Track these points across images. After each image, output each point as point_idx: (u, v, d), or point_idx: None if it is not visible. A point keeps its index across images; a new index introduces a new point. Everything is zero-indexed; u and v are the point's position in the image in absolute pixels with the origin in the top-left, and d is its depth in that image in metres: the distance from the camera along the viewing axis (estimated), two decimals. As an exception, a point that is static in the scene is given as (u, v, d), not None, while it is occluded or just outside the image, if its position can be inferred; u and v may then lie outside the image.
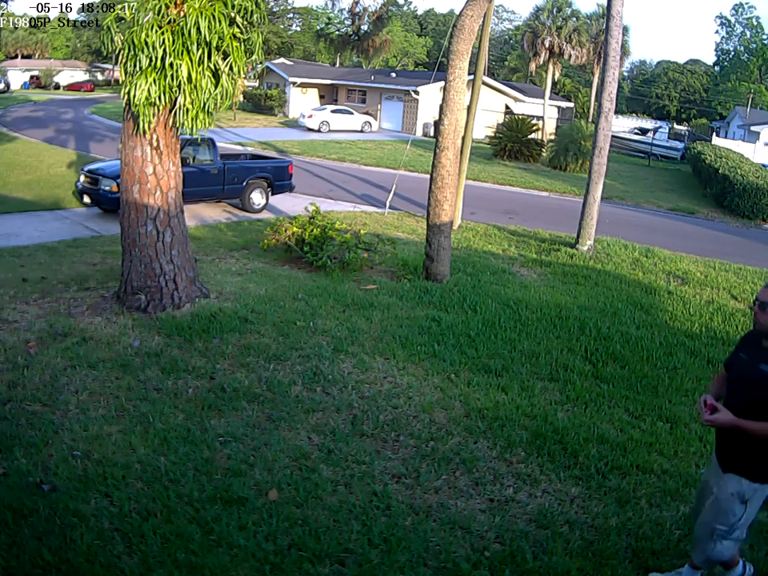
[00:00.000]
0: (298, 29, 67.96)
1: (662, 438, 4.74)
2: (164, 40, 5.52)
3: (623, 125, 40.54)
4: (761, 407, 2.83)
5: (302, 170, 17.68)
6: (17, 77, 56.57)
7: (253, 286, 7.36)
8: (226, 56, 5.86)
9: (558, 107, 40.03)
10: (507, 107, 36.33)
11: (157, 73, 5.63)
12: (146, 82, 5.60)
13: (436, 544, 3.45)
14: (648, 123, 44.57)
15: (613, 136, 13.90)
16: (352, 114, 33.50)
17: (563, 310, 7.43)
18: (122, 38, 5.76)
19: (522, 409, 4.97)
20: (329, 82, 39.52)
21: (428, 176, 8.38)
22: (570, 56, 34.99)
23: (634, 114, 59.80)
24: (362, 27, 50.38)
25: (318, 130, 31.18)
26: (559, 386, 5.49)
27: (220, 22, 5.60)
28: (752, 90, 53.51)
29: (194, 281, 6.69)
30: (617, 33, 10.84)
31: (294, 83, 37.98)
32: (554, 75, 37.38)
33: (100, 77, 63.05)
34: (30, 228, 9.92)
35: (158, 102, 5.72)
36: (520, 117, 27.89)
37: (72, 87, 55.81)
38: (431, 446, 4.38)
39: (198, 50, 5.61)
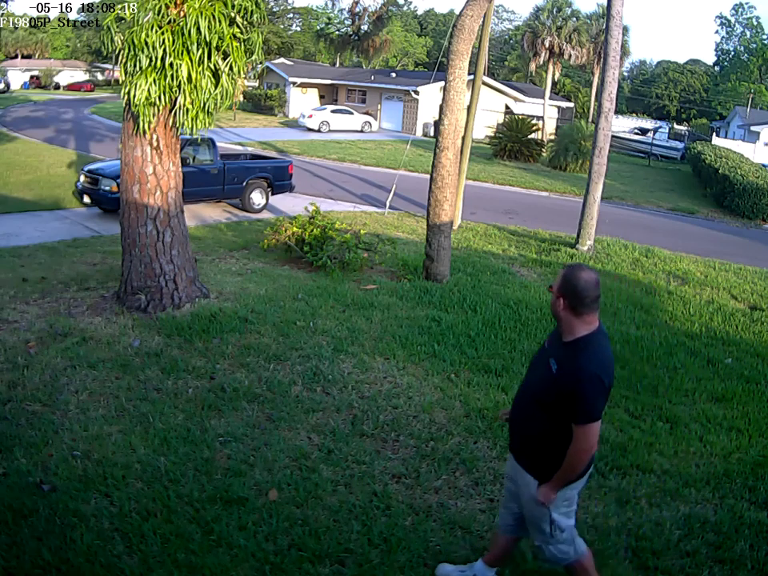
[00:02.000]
0: (298, 29, 67.97)
1: (662, 438, 4.75)
2: (164, 40, 5.51)
3: (623, 125, 40.54)
4: (538, 401, 2.70)
5: (301, 169, 17.68)
6: (17, 77, 56.58)
7: (253, 286, 7.36)
8: (226, 56, 5.85)
9: (558, 107, 40.02)
10: (507, 107, 36.33)
11: (157, 73, 5.62)
12: (146, 81, 5.59)
13: (436, 544, 3.45)
14: (648, 123, 44.58)
15: (613, 136, 13.90)
16: (352, 113, 33.50)
17: (563, 310, 7.41)
18: (122, 37, 5.76)
19: (521, 409, 4.96)
20: (329, 81, 39.51)
21: (428, 176, 8.38)
22: (570, 56, 35.01)
23: (634, 114, 59.78)
24: (362, 27, 50.37)
25: (318, 130, 31.17)
26: (559, 386, 5.49)
27: (220, 21, 5.60)
28: (752, 90, 53.51)
29: (194, 281, 6.69)
30: (617, 33, 10.84)
31: (294, 83, 37.97)
32: (553, 75, 37.40)
33: (100, 77, 63.05)
34: (30, 228, 9.92)
35: (158, 102, 5.72)
36: (520, 117, 27.87)
37: (72, 87, 55.82)
38: (431, 446, 4.38)
39: (198, 49, 5.61)
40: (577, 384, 2.54)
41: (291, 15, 67.18)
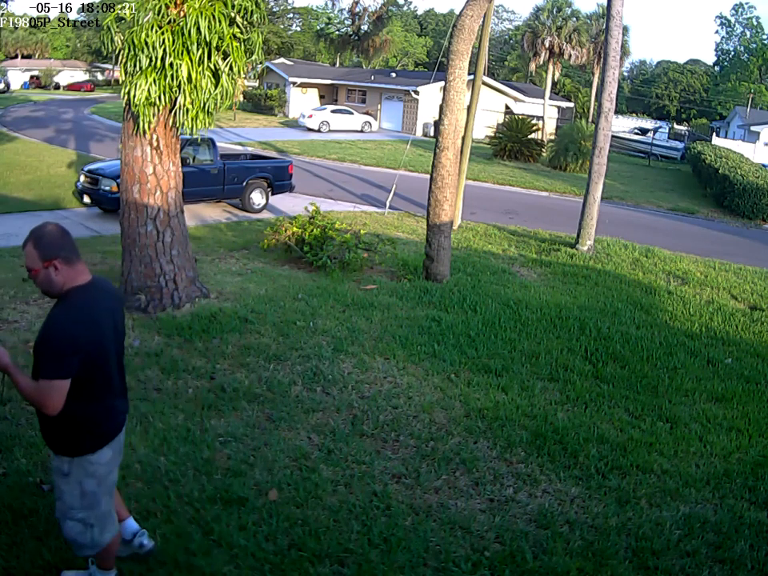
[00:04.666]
0: (298, 29, 67.99)
1: (662, 438, 4.75)
2: (164, 40, 5.52)
3: (623, 125, 40.55)
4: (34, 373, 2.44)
5: (302, 169, 17.67)
6: (17, 77, 56.56)
7: (253, 286, 7.35)
8: (226, 56, 5.86)
9: (558, 107, 40.01)
10: (507, 107, 36.33)
11: (157, 73, 5.63)
12: (146, 81, 5.60)
13: (436, 544, 3.45)
14: (648, 123, 44.57)
15: (613, 136, 13.91)
16: (352, 113, 33.49)
17: (563, 310, 7.43)
18: (122, 37, 5.76)
19: (522, 409, 4.97)
20: (329, 81, 39.51)
21: (428, 176, 8.38)
22: (570, 56, 35.00)
23: (633, 114, 59.78)
24: (362, 27, 50.35)
25: (318, 130, 31.16)
26: (559, 386, 5.49)
27: (220, 21, 5.60)
28: (752, 90, 53.48)
29: (194, 281, 6.69)
30: (617, 33, 10.84)
31: (294, 83, 37.97)
32: (553, 75, 37.38)
33: (100, 77, 63.05)
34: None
35: (158, 102, 5.72)
36: (520, 117, 27.87)
37: (72, 87, 55.81)
38: (431, 446, 4.38)
39: (198, 50, 5.61)
40: (42, 333, 2.37)
41: (291, 15, 67.23)
